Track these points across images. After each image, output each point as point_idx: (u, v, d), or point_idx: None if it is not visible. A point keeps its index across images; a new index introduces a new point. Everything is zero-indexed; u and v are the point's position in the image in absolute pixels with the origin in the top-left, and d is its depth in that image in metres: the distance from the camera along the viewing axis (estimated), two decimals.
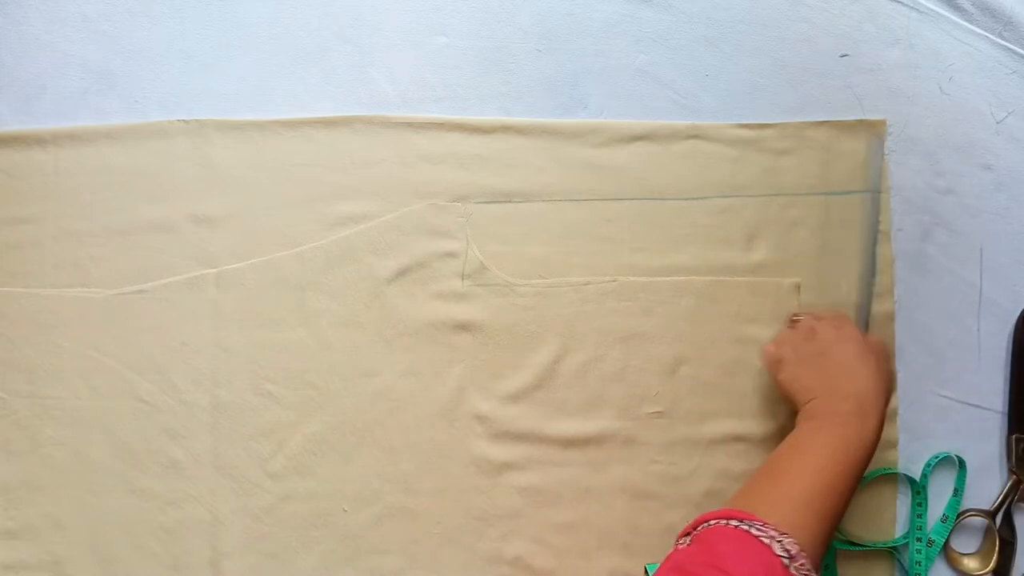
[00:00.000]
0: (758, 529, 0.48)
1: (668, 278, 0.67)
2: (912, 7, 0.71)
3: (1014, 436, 0.68)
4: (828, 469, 0.53)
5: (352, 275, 0.66)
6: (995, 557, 0.67)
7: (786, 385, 0.60)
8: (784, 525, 0.48)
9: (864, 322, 0.67)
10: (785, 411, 0.67)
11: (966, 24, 0.71)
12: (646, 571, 0.59)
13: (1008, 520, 0.67)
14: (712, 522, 0.50)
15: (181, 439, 0.64)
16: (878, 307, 0.68)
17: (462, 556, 0.64)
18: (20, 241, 0.66)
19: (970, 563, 0.67)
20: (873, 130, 0.70)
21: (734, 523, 0.49)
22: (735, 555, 0.47)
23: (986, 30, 0.71)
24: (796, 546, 0.47)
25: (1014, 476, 0.67)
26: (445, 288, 0.66)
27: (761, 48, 0.70)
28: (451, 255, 0.67)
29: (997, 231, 0.70)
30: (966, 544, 0.68)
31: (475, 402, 0.65)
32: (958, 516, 0.67)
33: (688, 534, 0.51)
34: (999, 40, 0.71)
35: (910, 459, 0.68)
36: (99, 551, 0.63)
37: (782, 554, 0.47)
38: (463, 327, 0.66)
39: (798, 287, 0.68)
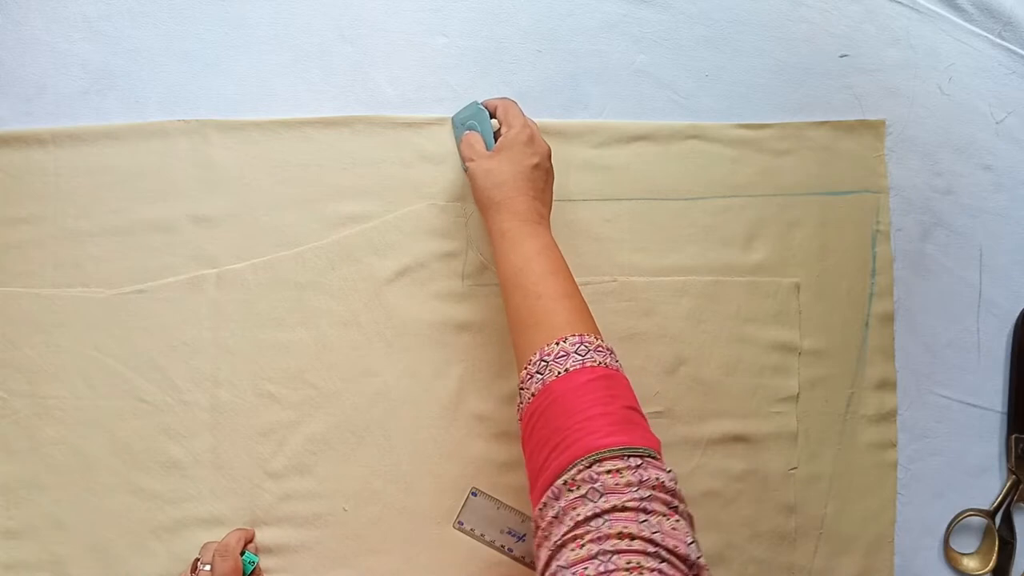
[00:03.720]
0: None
1: (668, 278, 0.67)
2: (912, 7, 0.71)
3: (1013, 436, 0.68)
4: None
5: (352, 275, 0.66)
6: (994, 557, 0.67)
7: None
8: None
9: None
10: (785, 411, 0.67)
11: (965, 24, 0.71)
12: None
13: (1007, 520, 0.67)
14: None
15: (181, 439, 0.64)
16: (878, 307, 0.68)
17: (462, 556, 0.64)
18: (20, 241, 0.66)
19: (969, 563, 0.67)
20: (873, 130, 0.70)
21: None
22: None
23: (985, 30, 0.71)
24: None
25: (1013, 476, 0.67)
26: (445, 288, 0.66)
27: (761, 48, 0.70)
28: (451, 255, 0.67)
29: (997, 231, 0.70)
30: (965, 544, 0.68)
31: (475, 402, 0.65)
32: (958, 516, 0.67)
33: None
34: (998, 40, 0.71)
35: (910, 459, 0.68)
36: (99, 551, 0.63)
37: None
38: (463, 327, 0.66)
39: (798, 287, 0.68)
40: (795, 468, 0.67)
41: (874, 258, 0.69)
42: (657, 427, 0.65)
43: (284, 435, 0.64)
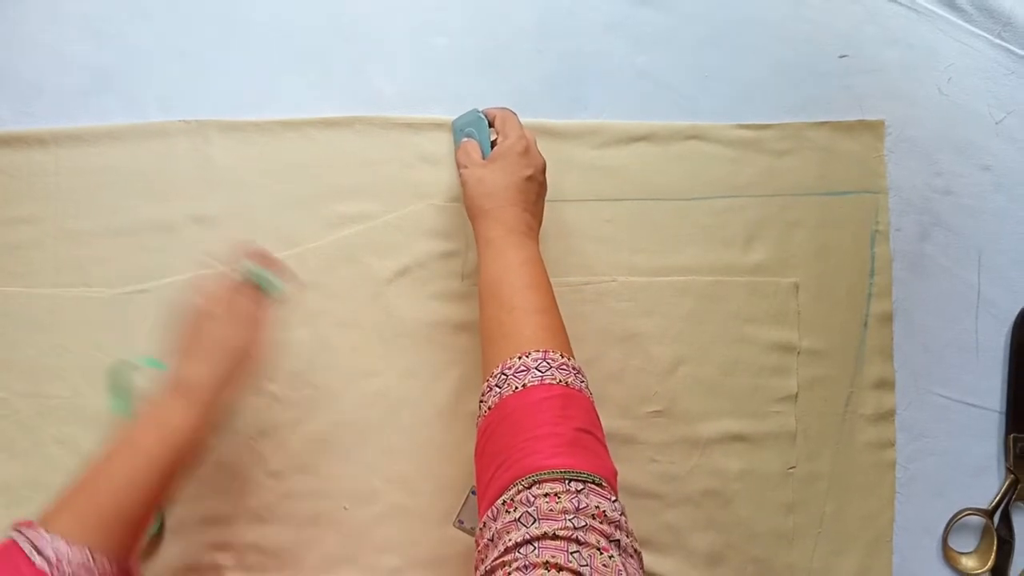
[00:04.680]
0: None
1: (668, 278, 0.68)
2: (911, 8, 0.71)
3: (1012, 435, 0.68)
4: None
5: (352, 275, 0.66)
6: (993, 556, 0.67)
7: None
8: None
9: None
10: (784, 411, 0.67)
11: (965, 25, 0.71)
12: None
13: (1006, 519, 0.68)
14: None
15: None
16: (877, 307, 0.69)
17: (462, 556, 0.64)
18: (21, 241, 0.66)
19: (968, 562, 0.67)
20: (872, 130, 0.70)
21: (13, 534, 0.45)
22: None
23: (985, 31, 0.71)
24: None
25: (1012, 475, 0.67)
26: (445, 288, 0.66)
27: (761, 49, 0.70)
28: (451, 255, 0.67)
29: (995, 231, 0.70)
30: (964, 543, 0.68)
31: (475, 402, 0.65)
32: (956, 515, 0.67)
33: None
34: (998, 41, 0.71)
35: (908, 458, 0.68)
36: None
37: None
38: (463, 327, 0.66)
39: (796, 287, 0.68)
40: (794, 467, 0.67)
41: (873, 258, 0.69)
42: (657, 427, 0.66)
43: (285, 435, 0.65)
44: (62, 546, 0.44)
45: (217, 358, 0.53)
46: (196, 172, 0.67)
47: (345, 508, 0.64)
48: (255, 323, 0.55)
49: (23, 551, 0.44)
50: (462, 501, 0.64)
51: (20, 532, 0.45)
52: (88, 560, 0.45)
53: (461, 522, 0.64)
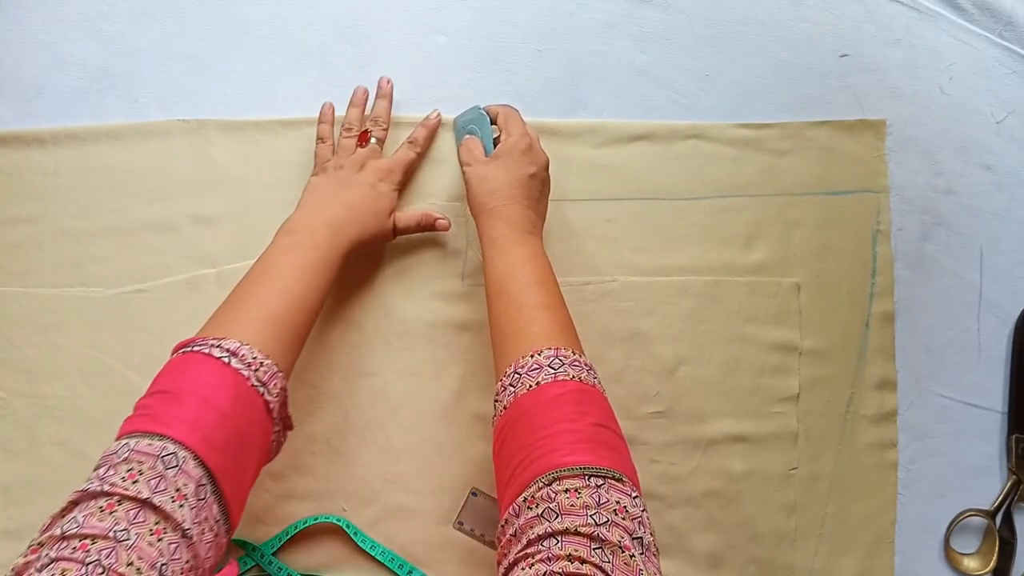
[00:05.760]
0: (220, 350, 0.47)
1: (668, 278, 0.67)
2: (912, 7, 0.71)
3: (1014, 436, 0.68)
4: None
5: (352, 275, 0.66)
6: (995, 557, 0.67)
7: None
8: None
9: None
10: (785, 411, 0.67)
11: (966, 24, 0.71)
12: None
13: (1008, 520, 0.67)
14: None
15: None
16: (878, 307, 0.68)
17: (462, 556, 0.64)
18: (20, 241, 0.66)
19: (970, 563, 0.67)
20: (873, 130, 0.70)
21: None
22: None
23: (986, 30, 0.71)
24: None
25: (1014, 476, 0.67)
26: (445, 288, 0.66)
27: (761, 48, 0.70)
28: (451, 255, 0.67)
29: (997, 231, 0.70)
30: (966, 544, 0.68)
31: (475, 402, 0.65)
32: (958, 516, 0.67)
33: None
34: (999, 40, 0.71)
35: (910, 459, 0.68)
36: None
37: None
38: (463, 327, 0.66)
39: (798, 287, 0.68)
40: (795, 468, 0.66)
41: (874, 258, 0.69)
42: (657, 427, 0.66)
43: None
44: (247, 350, 0.47)
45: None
46: (196, 172, 0.67)
47: (344, 509, 0.64)
48: None
49: (207, 355, 0.47)
50: (462, 502, 0.64)
51: (193, 344, 0.48)
52: (274, 368, 0.49)
53: (461, 523, 0.64)
